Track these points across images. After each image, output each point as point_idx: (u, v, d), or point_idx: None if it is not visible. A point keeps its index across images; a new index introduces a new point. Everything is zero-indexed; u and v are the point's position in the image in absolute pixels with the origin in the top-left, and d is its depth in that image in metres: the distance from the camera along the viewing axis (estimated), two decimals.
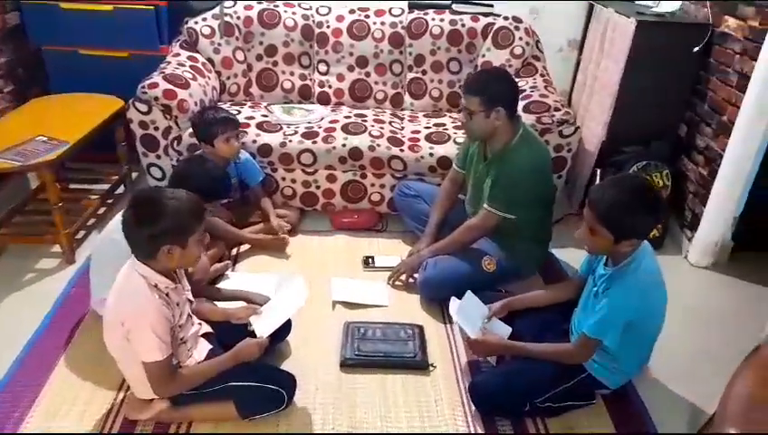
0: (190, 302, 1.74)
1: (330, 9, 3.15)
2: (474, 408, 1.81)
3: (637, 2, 2.91)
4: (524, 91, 2.82)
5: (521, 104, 2.66)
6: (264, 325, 1.78)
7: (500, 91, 2.12)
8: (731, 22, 2.51)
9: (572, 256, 2.57)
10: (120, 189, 2.95)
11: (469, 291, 2.01)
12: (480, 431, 1.75)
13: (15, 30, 2.93)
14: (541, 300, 2.00)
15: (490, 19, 3.10)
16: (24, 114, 2.71)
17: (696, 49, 2.63)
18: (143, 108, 2.60)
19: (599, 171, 2.80)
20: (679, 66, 2.70)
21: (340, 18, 3.13)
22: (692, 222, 2.71)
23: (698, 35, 2.62)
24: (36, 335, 2.02)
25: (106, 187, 2.86)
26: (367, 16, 3.14)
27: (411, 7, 3.16)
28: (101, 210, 2.77)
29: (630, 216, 1.59)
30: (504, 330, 1.92)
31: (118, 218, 1.74)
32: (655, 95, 2.73)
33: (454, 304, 1.99)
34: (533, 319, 1.95)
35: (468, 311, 1.96)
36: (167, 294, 1.57)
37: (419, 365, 1.96)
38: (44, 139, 2.38)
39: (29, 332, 2.03)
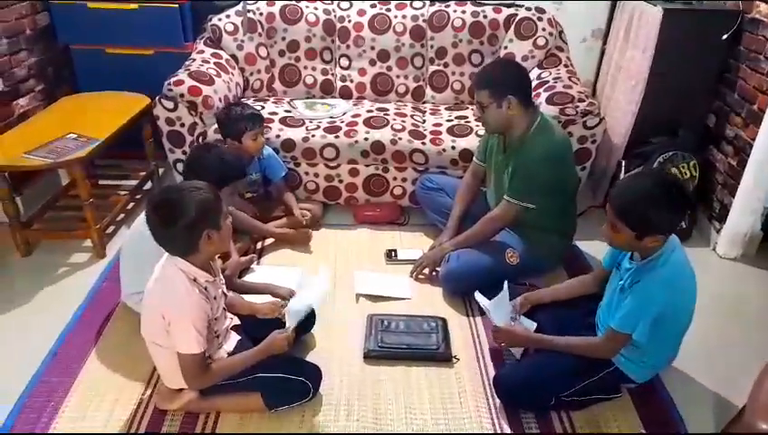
0: (225, 295, 1.77)
1: (351, 3, 3.16)
2: (498, 401, 1.81)
3: None
4: (548, 82, 2.79)
5: (544, 96, 2.66)
6: (291, 317, 1.81)
7: (507, 80, 2.12)
8: (762, 8, 2.44)
9: (598, 249, 2.54)
10: (148, 185, 3.00)
11: (506, 281, 1.94)
12: (504, 424, 1.75)
13: (45, 30, 3.00)
14: (563, 293, 1.98)
15: (512, 10, 3.07)
16: (54, 113, 2.77)
17: (726, 36, 2.57)
18: (169, 105, 2.64)
19: (624, 163, 2.76)
20: (708, 54, 2.64)
21: (361, 12, 3.13)
22: (720, 213, 2.65)
23: (728, 22, 2.56)
24: (69, 328, 2.08)
25: (134, 183, 2.93)
26: (388, 10, 3.13)
27: None
28: (130, 206, 2.84)
29: (651, 212, 1.55)
30: (529, 326, 1.91)
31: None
32: (682, 85, 2.67)
33: (480, 296, 1.97)
34: (556, 313, 1.93)
35: (502, 302, 1.93)
36: (205, 288, 1.60)
37: (443, 357, 1.97)
38: (75, 136, 2.44)
39: (61, 325, 2.09)
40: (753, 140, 2.40)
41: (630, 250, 1.71)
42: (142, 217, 1.95)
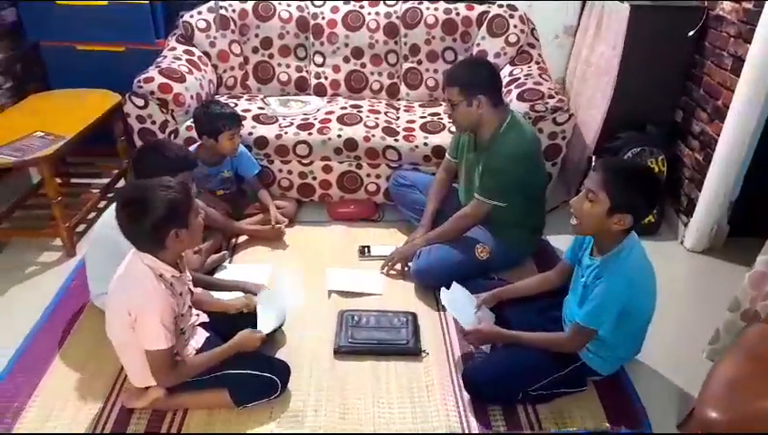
0: (191, 292, 1.77)
1: (324, 0, 3.15)
2: (465, 395, 1.83)
3: None
4: (519, 79, 2.82)
5: (515, 92, 2.68)
6: (266, 322, 1.86)
7: (478, 79, 2.13)
8: (725, 4, 2.48)
9: (567, 244, 2.56)
10: (121, 183, 2.97)
11: (455, 282, 2.02)
12: (471, 417, 1.77)
13: (13, 26, 2.96)
14: (530, 288, 2.01)
15: (485, 7, 3.09)
16: (22, 110, 2.74)
17: (691, 33, 2.61)
18: (139, 102, 2.62)
19: (594, 158, 2.79)
20: (674, 51, 2.68)
21: (334, 9, 3.13)
22: (688, 207, 2.70)
23: (693, 19, 2.60)
24: (36, 327, 2.06)
25: (106, 181, 2.89)
26: (362, 7, 3.13)
27: None
28: (102, 204, 2.81)
29: (633, 187, 1.60)
30: (488, 317, 1.93)
31: (109, 213, 1.78)
32: (650, 80, 2.71)
33: (445, 294, 2.01)
34: (523, 307, 1.96)
35: (458, 301, 1.97)
36: (171, 284, 1.60)
37: (412, 352, 1.98)
38: (41, 134, 2.41)
39: (30, 324, 2.07)
40: (718, 135, 2.44)
41: (593, 230, 1.70)
42: (106, 217, 1.94)
